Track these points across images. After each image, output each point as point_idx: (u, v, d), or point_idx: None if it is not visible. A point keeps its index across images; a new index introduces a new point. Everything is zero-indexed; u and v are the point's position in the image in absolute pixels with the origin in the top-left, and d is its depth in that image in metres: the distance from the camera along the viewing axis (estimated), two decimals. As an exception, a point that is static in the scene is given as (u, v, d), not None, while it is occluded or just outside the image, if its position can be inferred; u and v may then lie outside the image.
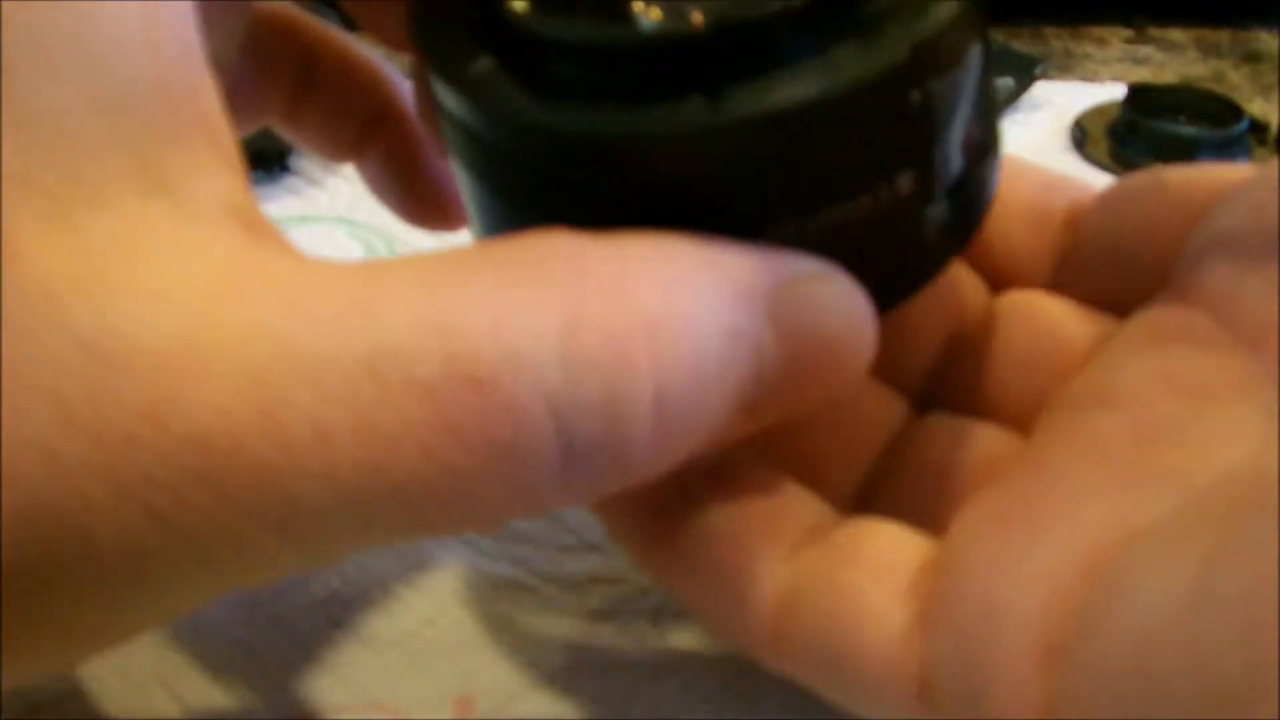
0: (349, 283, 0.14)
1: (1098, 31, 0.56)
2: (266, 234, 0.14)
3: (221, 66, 0.20)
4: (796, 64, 0.16)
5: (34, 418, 0.12)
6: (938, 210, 0.18)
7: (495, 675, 0.24)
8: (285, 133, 0.25)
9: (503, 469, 0.14)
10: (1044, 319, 0.22)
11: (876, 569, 0.18)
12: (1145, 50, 0.55)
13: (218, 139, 0.14)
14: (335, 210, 0.40)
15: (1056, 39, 0.56)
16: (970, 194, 0.19)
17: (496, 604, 0.25)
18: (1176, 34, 0.56)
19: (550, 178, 0.17)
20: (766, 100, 0.16)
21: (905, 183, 0.17)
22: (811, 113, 0.16)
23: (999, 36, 0.52)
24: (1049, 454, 0.18)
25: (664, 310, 0.15)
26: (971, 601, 0.16)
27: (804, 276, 0.17)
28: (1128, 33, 0.56)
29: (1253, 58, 0.53)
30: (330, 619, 0.25)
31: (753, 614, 0.18)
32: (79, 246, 0.13)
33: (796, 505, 0.19)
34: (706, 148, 0.16)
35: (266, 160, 0.42)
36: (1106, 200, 0.22)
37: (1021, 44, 0.54)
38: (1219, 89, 0.49)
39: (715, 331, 0.15)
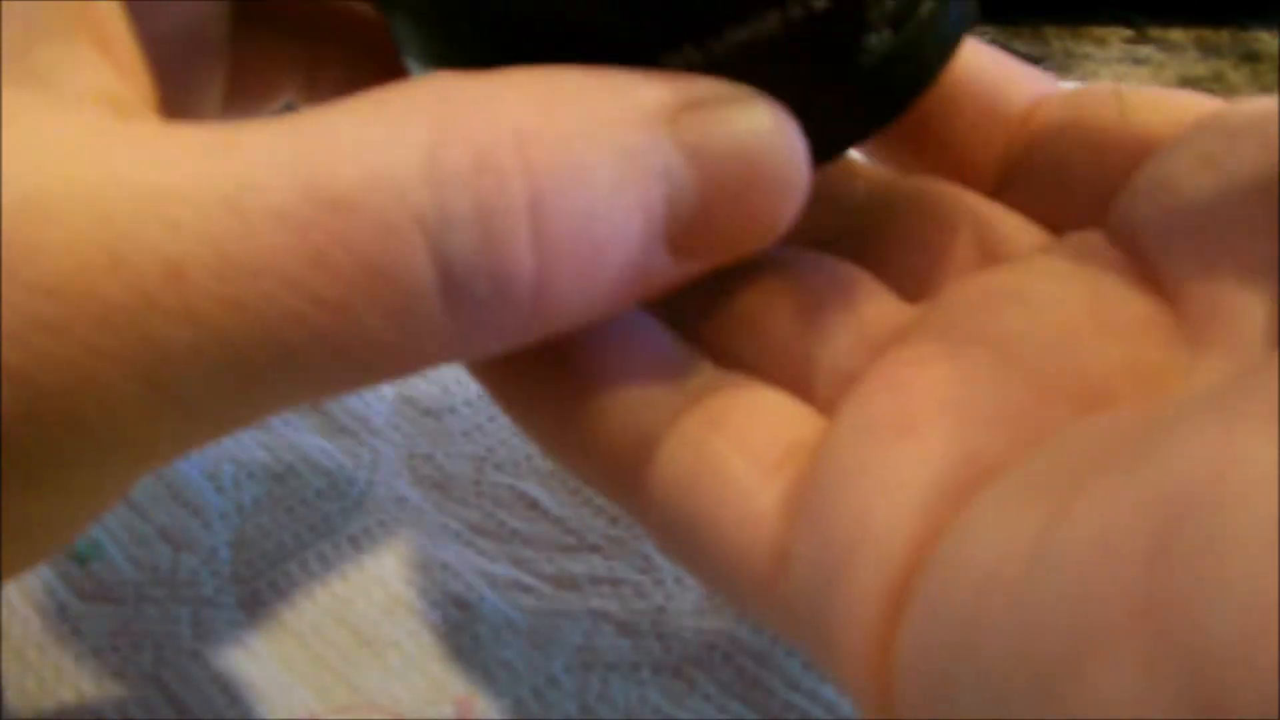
0: (210, 129, 0.13)
1: (1098, 31, 0.56)
2: (140, 116, 0.14)
3: (209, 24, 0.20)
4: None
5: None
6: (877, 41, 0.16)
7: (496, 676, 0.24)
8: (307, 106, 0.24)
9: (376, 294, 0.13)
10: (972, 215, 0.19)
11: (743, 438, 0.16)
12: (1145, 50, 0.55)
13: (107, 41, 0.14)
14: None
15: (1057, 39, 0.56)
16: (923, 26, 0.17)
17: (497, 605, 0.25)
18: (1176, 34, 0.56)
19: (444, 14, 0.16)
20: None
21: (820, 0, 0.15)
22: None
23: (999, 37, 0.52)
24: (948, 338, 0.16)
25: (537, 122, 0.14)
26: (842, 506, 0.14)
27: (714, 97, 0.15)
28: (1128, 33, 0.56)
29: (1253, 58, 0.53)
30: (330, 618, 0.25)
31: (615, 459, 0.17)
32: None
33: (684, 365, 0.18)
34: None
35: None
36: (1062, 110, 0.20)
37: (1021, 44, 0.54)
38: (1219, 89, 0.49)
39: (605, 148, 0.14)
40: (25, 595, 0.25)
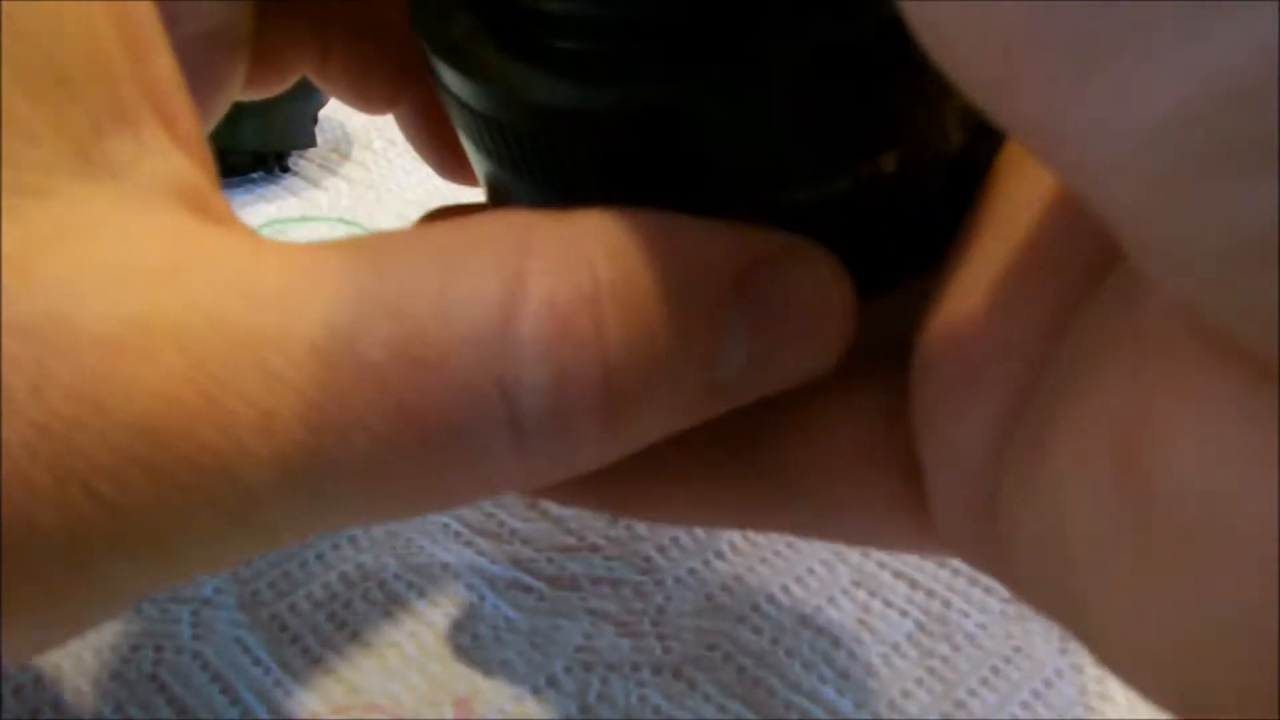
0: (295, 260, 0.13)
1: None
2: (217, 215, 0.14)
3: (237, 22, 0.20)
4: (768, 39, 0.15)
5: None
6: (935, 186, 0.17)
7: (495, 676, 0.24)
8: (320, 84, 0.24)
9: (455, 450, 0.14)
10: None
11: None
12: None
13: (170, 118, 0.14)
14: (335, 211, 0.40)
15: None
16: (977, 166, 0.18)
17: (497, 605, 0.25)
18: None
19: (522, 143, 0.17)
20: (727, 78, 0.15)
21: (889, 162, 0.17)
22: (775, 95, 0.15)
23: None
24: None
25: (610, 281, 0.14)
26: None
27: (776, 253, 0.16)
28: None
29: None
30: (330, 619, 0.25)
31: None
32: (17, 232, 0.12)
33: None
34: (662, 125, 0.16)
35: (266, 160, 0.42)
36: None
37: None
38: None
39: (675, 309, 0.15)
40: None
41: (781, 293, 0.16)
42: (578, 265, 0.14)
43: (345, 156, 0.41)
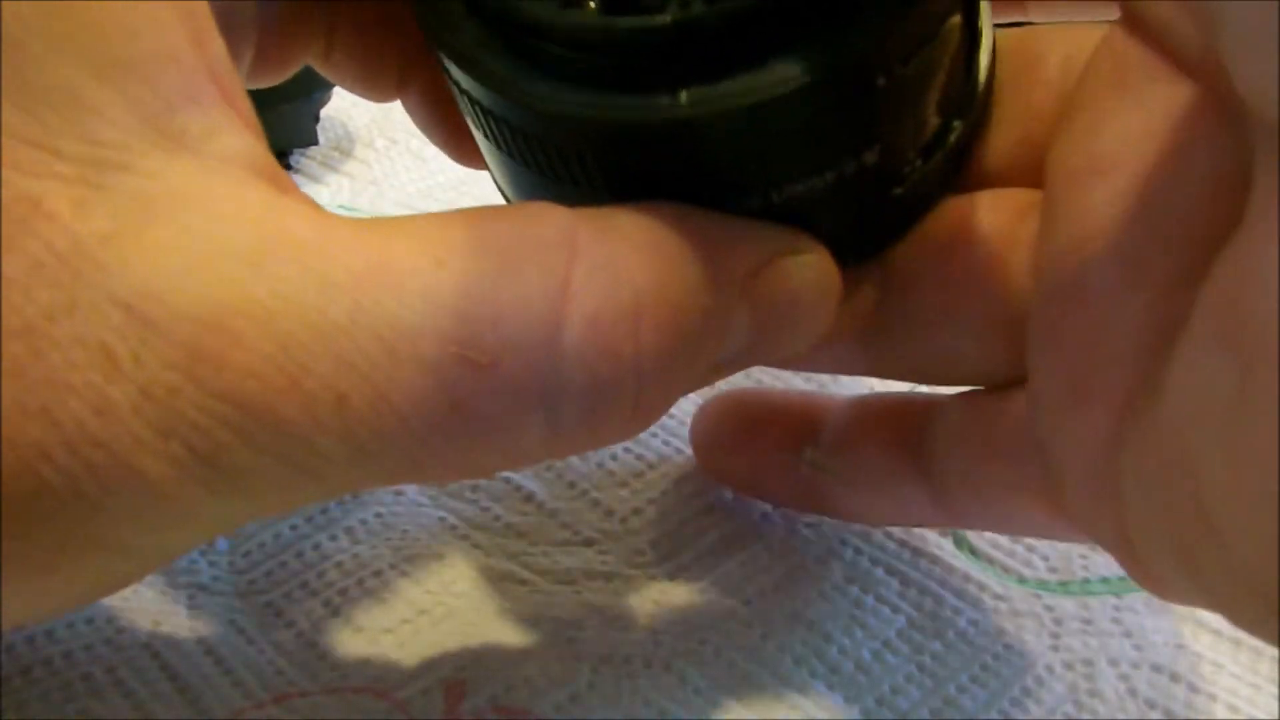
0: (367, 245, 0.15)
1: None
2: (288, 188, 0.16)
3: (241, 8, 0.20)
4: (763, 56, 0.16)
5: (82, 365, 0.13)
6: (910, 171, 0.19)
7: (487, 665, 0.24)
8: (325, 74, 0.25)
9: (496, 439, 0.16)
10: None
11: None
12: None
13: (232, 99, 0.15)
14: (337, 200, 0.40)
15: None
16: (951, 145, 0.19)
17: (491, 596, 0.25)
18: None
19: (539, 145, 0.18)
20: (726, 96, 0.16)
21: (871, 156, 0.18)
22: (771, 107, 0.16)
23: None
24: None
25: (648, 292, 0.16)
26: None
27: (780, 253, 0.18)
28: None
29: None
30: (324, 605, 0.25)
31: None
32: (107, 207, 0.14)
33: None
34: (668, 138, 0.17)
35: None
36: None
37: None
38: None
39: (699, 315, 0.16)
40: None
41: (782, 286, 0.18)
42: (618, 278, 0.16)
43: (347, 154, 0.41)
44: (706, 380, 0.18)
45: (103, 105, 0.14)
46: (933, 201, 0.20)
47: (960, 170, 0.20)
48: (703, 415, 0.26)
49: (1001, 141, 0.21)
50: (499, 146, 0.19)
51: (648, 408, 0.17)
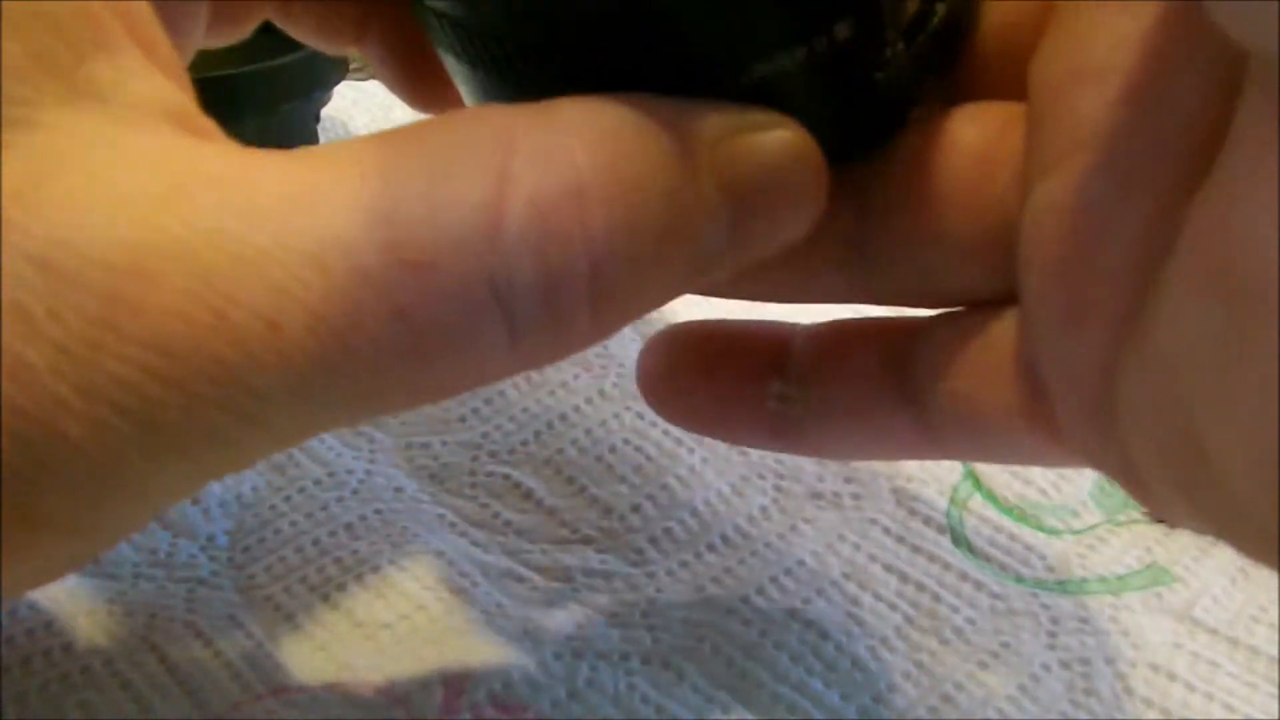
0: (289, 173, 0.14)
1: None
2: (207, 132, 0.15)
3: None
4: None
5: None
6: (892, 55, 0.17)
7: (485, 661, 0.24)
8: (284, 27, 0.24)
9: (452, 349, 0.14)
10: None
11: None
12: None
13: (150, 46, 0.15)
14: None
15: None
16: (934, 34, 0.18)
17: (489, 593, 0.25)
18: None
19: (490, 46, 0.17)
20: None
21: (843, 30, 0.17)
22: None
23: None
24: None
25: (592, 172, 0.15)
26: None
27: (744, 127, 0.16)
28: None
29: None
30: (324, 600, 0.25)
31: None
32: (16, 164, 0.13)
33: None
34: (625, 13, 0.16)
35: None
36: None
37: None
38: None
39: (656, 196, 0.15)
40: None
41: (755, 163, 0.16)
42: (559, 160, 0.15)
43: (349, 155, 0.41)
44: (690, 281, 0.17)
45: (12, 59, 0.13)
46: (920, 97, 0.19)
47: (949, 65, 0.19)
48: (651, 349, 0.23)
49: (979, 54, 0.20)
50: (470, 61, 0.18)
51: (611, 299, 0.15)
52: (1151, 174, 0.15)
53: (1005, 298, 0.19)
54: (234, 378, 0.13)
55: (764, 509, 0.27)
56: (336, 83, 0.39)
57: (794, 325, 0.23)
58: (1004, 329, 0.19)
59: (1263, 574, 0.26)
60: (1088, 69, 0.16)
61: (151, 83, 0.15)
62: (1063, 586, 0.26)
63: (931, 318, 0.21)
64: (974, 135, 0.19)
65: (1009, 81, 0.19)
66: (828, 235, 0.19)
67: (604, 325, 0.16)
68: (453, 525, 0.27)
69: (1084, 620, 0.25)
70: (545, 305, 0.15)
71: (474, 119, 0.15)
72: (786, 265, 0.19)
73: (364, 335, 0.14)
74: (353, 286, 0.14)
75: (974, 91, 0.20)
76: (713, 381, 0.23)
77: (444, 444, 0.29)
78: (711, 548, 0.27)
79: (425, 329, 0.14)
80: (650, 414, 0.29)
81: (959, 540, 0.27)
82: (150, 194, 0.13)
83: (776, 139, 0.17)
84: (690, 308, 0.25)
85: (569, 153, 0.15)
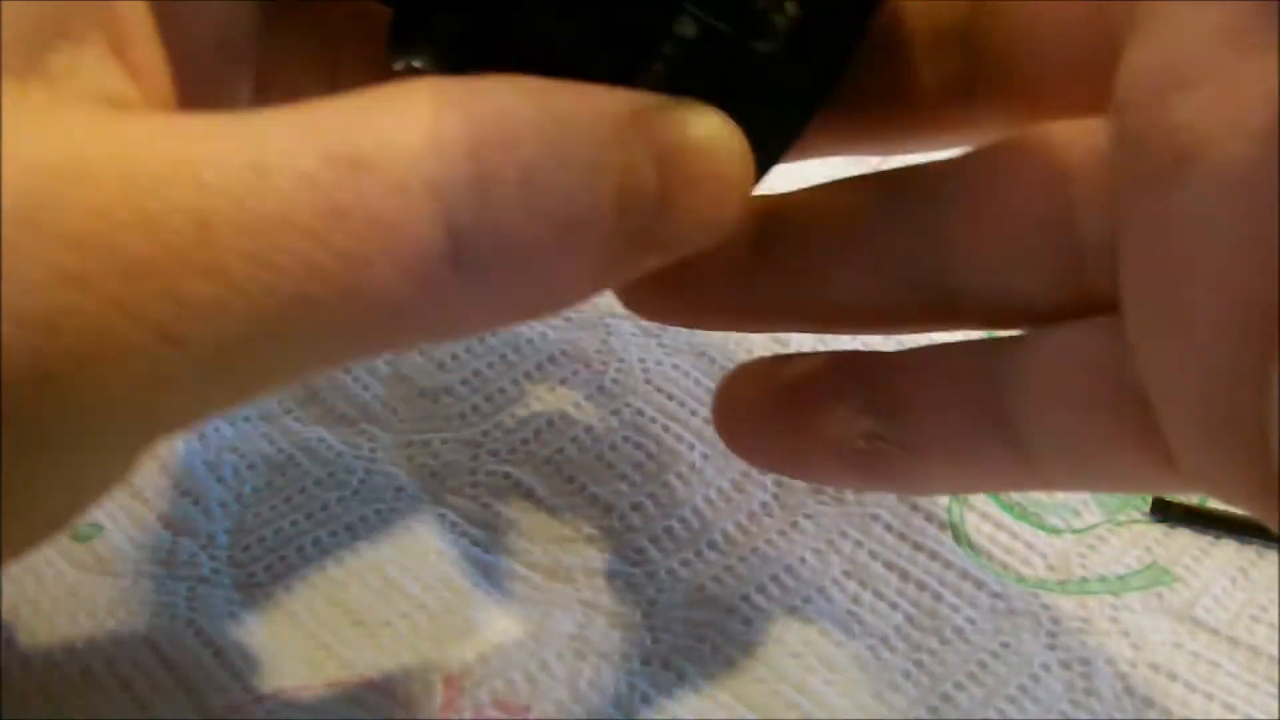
0: (227, 114, 0.14)
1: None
2: (144, 111, 0.15)
3: (245, 43, 0.20)
4: None
5: None
6: (766, 47, 0.17)
7: (486, 658, 0.24)
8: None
9: (391, 248, 0.14)
10: None
11: None
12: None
13: (125, 44, 0.15)
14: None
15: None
16: (815, 15, 0.17)
17: (490, 592, 0.26)
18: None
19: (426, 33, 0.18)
20: None
21: (686, 27, 0.16)
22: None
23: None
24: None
25: (522, 113, 0.15)
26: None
27: (671, 105, 0.17)
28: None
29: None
30: (325, 599, 0.25)
31: None
32: None
33: None
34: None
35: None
36: None
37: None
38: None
39: (583, 137, 0.16)
40: (21, 562, 0.25)
41: (680, 131, 0.17)
42: (493, 100, 0.15)
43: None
44: (632, 257, 0.17)
45: None
46: (833, 70, 0.18)
47: (850, 34, 0.18)
48: (727, 386, 0.22)
49: (1033, 65, 0.19)
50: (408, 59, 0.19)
51: (552, 232, 0.15)
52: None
53: (1079, 311, 0.19)
54: (158, 282, 0.13)
55: (765, 505, 0.27)
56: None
57: (873, 354, 0.22)
58: (1098, 350, 0.19)
59: (1263, 574, 0.26)
60: (1180, 73, 0.16)
61: (105, 75, 0.15)
62: (1063, 587, 0.26)
63: (1014, 340, 0.20)
64: (1046, 154, 0.19)
65: (1079, 89, 0.18)
66: (907, 272, 0.19)
67: (542, 250, 0.15)
68: (453, 525, 0.27)
69: (1084, 620, 0.25)
70: (480, 207, 0.15)
71: (410, 79, 0.15)
72: (876, 304, 0.20)
73: (301, 235, 0.13)
74: (290, 186, 0.13)
75: (1040, 103, 0.20)
76: (795, 420, 0.22)
77: (444, 441, 0.29)
78: (712, 545, 0.27)
79: (364, 230, 0.14)
80: (650, 410, 0.29)
81: (960, 537, 0.27)
82: (78, 130, 0.13)
83: (702, 117, 0.17)
84: (760, 348, 0.25)
85: (501, 95, 0.15)
